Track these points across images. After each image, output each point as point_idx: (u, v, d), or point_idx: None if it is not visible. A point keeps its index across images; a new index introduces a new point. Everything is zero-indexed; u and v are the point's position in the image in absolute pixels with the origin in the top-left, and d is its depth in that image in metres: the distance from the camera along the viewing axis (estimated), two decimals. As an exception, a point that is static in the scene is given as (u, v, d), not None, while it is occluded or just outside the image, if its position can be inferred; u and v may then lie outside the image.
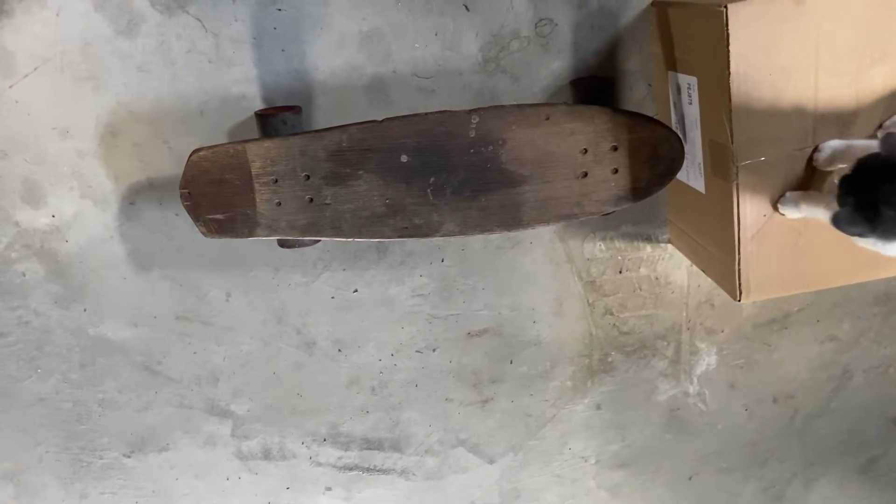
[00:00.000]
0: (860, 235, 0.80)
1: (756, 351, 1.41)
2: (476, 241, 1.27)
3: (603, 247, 1.30)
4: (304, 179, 1.07)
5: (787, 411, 1.48)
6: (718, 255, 1.08)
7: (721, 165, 1.00)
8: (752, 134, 0.94)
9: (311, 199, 1.07)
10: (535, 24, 1.14)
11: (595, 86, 1.17)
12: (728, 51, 0.91)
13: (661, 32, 1.12)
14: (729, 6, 0.89)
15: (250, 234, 1.08)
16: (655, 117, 1.07)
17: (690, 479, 1.53)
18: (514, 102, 1.18)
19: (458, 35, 1.14)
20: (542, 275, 1.31)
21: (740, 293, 1.03)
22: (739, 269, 1.02)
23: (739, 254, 1.01)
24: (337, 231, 1.09)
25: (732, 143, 0.95)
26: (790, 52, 0.92)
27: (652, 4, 1.14)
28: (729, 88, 0.92)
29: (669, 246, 1.30)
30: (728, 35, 0.90)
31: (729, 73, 0.92)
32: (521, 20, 1.14)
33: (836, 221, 0.79)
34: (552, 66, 1.17)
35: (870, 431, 1.53)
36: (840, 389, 1.47)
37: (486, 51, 1.15)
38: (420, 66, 1.15)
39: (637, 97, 1.20)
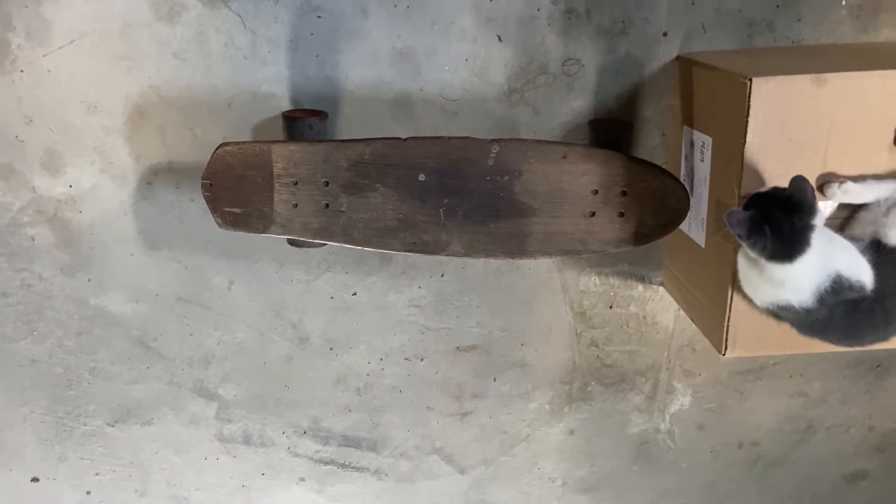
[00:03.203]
0: (738, 237, 0.91)
1: (729, 397, 1.46)
2: (477, 261, 1.31)
3: (597, 281, 1.35)
4: (323, 185, 1.10)
5: (749, 457, 1.54)
6: (709, 307, 1.13)
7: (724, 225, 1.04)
8: (758, 201, 0.99)
9: (328, 205, 1.11)
10: (563, 62, 1.18)
11: (612, 128, 1.21)
12: (747, 121, 0.95)
13: (682, 87, 1.17)
14: (754, 79, 0.93)
15: (264, 231, 1.11)
16: (665, 167, 1.12)
17: (650, 510, 1.59)
18: (533, 134, 1.22)
19: (487, 63, 1.17)
20: (536, 301, 1.35)
21: (726, 347, 1.08)
22: (728, 326, 1.06)
23: (730, 311, 1.06)
24: (348, 238, 1.12)
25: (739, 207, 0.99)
26: (804, 129, 0.97)
27: (676, 59, 1.19)
28: (742, 156, 0.97)
29: (661, 289, 1.35)
30: (749, 106, 0.94)
31: (745, 142, 0.96)
32: (550, 57, 1.18)
33: (728, 216, 0.91)
34: (573, 104, 1.21)
35: (824, 485, 1.60)
36: (802, 443, 1.53)
37: (513, 82, 1.19)
38: (447, 88, 1.19)
39: (650, 144, 1.24)
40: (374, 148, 1.09)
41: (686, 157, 1.18)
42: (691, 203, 1.12)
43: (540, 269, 1.33)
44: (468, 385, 1.43)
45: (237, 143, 1.07)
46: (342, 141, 1.09)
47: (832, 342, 1.02)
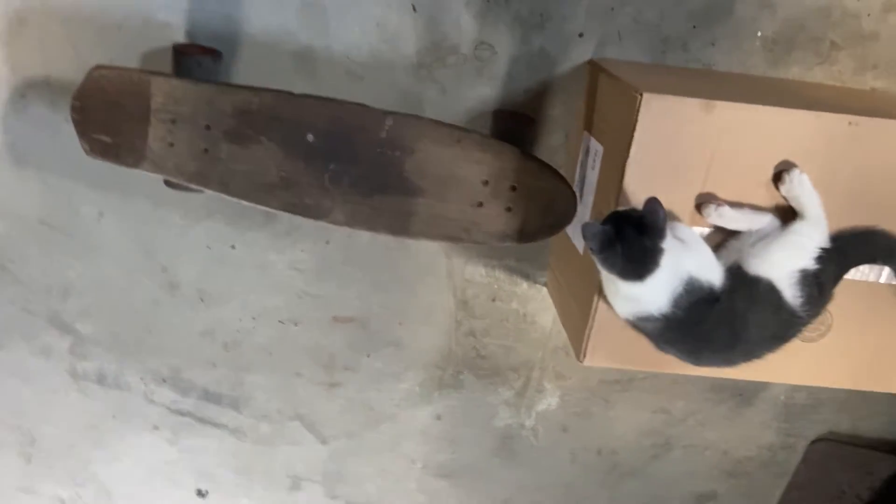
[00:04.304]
0: (591, 249, 0.92)
1: (595, 404, 1.49)
2: (364, 233, 1.28)
3: (483, 273, 1.34)
4: (203, 128, 1.05)
5: (606, 465, 1.57)
6: (577, 312, 1.13)
7: (600, 235, 1.04)
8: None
9: (206, 150, 1.06)
10: (476, 45, 1.16)
11: (515, 122, 1.20)
12: (633, 135, 0.95)
13: (588, 92, 1.16)
14: (644, 94, 0.93)
15: (134, 166, 1.06)
16: (561, 171, 1.11)
17: (504, 502, 1.61)
18: (437, 113, 1.19)
19: (398, 32, 1.14)
20: (420, 283, 1.34)
21: (584, 355, 1.09)
22: (589, 334, 1.07)
23: (593, 320, 1.06)
24: (224, 188, 1.08)
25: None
26: (688, 152, 0.97)
27: (588, 62, 1.18)
28: (623, 170, 0.96)
29: (545, 289, 1.35)
30: (636, 120, 0.94)
31: (627, 156, 0.96)
32: (464, 38, 1.15)
33: (584, 228, 0.91)
34: (480, 90, 1.19)
35: (674, 502, 1.65)
36: (658, 458, 1.57)
37: (422, 56, 1.16)
38: (354, 50, 1.14)
39: (553, 143, 1.23)
40: (263, 98, 1.04)
41: (581, 163, 1.17)
42: (578, 209, 1.12)
43: (427, 252, 1.31)
44: (340, 356, 1.40)
45: (114, 68, 1.01)
46: (229, 85, 1.04)
47: (684, 355, 1.03)
